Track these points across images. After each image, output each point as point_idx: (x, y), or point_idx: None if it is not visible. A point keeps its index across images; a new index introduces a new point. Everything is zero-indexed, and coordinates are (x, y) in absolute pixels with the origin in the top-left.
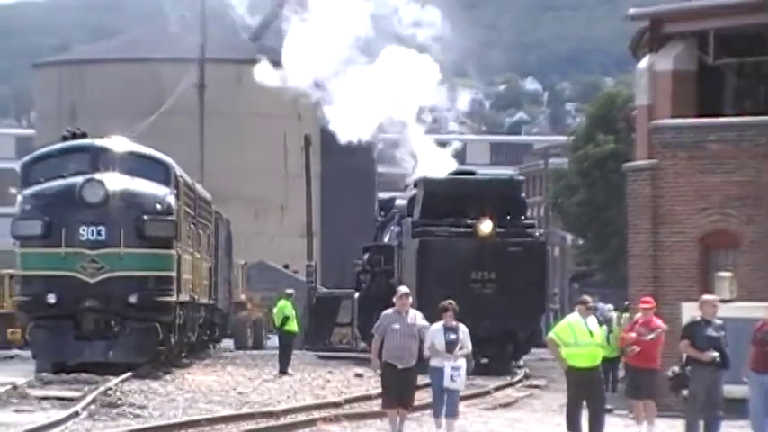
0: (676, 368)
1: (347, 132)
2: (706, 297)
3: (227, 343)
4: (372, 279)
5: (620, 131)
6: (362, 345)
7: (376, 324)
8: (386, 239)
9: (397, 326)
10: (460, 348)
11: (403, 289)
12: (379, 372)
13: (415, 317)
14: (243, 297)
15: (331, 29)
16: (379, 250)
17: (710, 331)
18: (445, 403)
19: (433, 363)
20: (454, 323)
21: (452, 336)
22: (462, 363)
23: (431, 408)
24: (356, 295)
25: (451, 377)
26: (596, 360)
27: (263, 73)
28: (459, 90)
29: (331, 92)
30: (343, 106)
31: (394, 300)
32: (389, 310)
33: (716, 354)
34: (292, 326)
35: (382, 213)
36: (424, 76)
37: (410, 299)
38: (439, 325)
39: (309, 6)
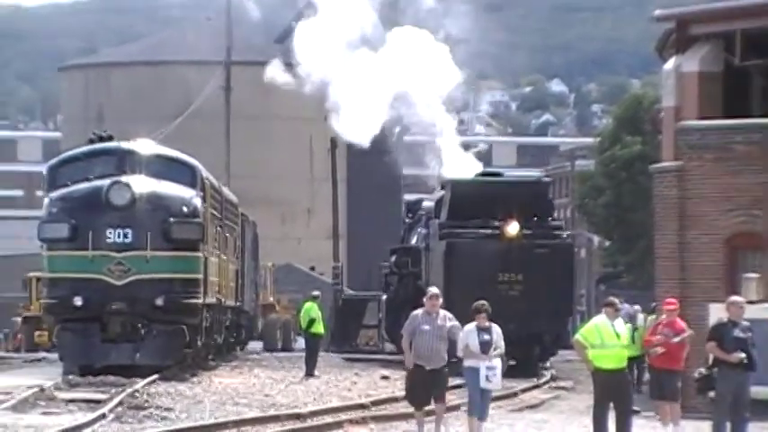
0: (703, 370)
1: (358, 136)
2: (733, 298)
3: (254, 345)
4: (400, 281)
5: (647, 133)
6: (390, 347)
7: (405, 325)
8: (413, 241)
9: (426, 327)
10: (494, 349)
11: (433, 290)
12: (410, 366)
13: (445, 318)
14: (271, 299)
15: (343, 30)
16: (406, 252)
17: (737, 333)
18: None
19: (468, 363)
20: (487, 324)
21: (486, 336)
22: (498, 363)
23: (464, 407)
24: (383, 297)
25: (487, 377)
26: (623, 362)
27: (273, 72)
28: (482, 91)
29: (338, 90)
30: (350, 105)
31: (424, 301)
32: (419, 311)
33: (743, 355)
34: (318, 328)
35: (409, 215)
36: (436, 59)
37: (440, 300)
38: (472, 326)
39: (327, 9)
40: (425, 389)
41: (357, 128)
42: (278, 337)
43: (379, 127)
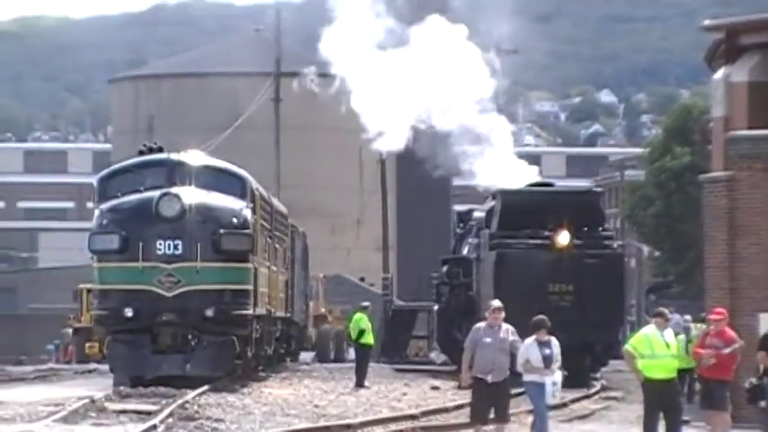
0: (754, 380)
1: (387, 143)
2: None
3: (305, 356)
4: (451, 291)
5: (696, 143)
6: (443, 357)
7: (467, 338)
8: (464, 252)
9: (488, 340)
10: (555, 362)
11: (496, 303)
12: (466, 384)
13: (507, 331)
14: (323, 310)
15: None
16: (457, 263)
17: None
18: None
19: (530, 378)
20: (547, 337)
21: (547, 351)
22: (559, 377)
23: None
24: (435, 308)
25: (552, 393)
26: (673, 372)
27: (305, 81)
28: (532, 102)
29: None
30: (374, 109)
31: (486, 314)
32: (481, 324)
33: None
34: (368, 339)
35: (461, 225)
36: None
37: (503, 313)
38: (531, 340)
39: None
40: (489, 402)
41: (385, 134)
42: (330, 348)
43: (409, 131)
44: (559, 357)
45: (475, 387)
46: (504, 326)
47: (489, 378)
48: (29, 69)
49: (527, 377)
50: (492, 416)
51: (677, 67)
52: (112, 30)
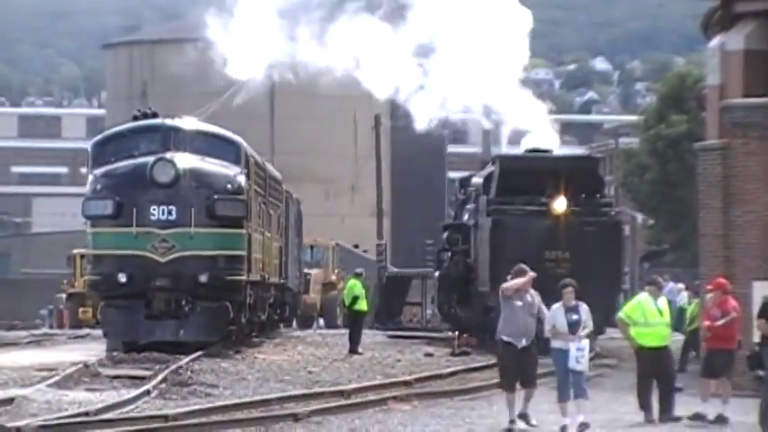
0: (755, 348)
1: (423, 115)
2: None
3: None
4: (451, 258)
5: (692, 111)
6: (446, 326)
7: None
8: (465, 218)
9: (519, 303)
10: (583, 329)
11: (523, 266)
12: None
13: (534, 296)
14: (334, 277)
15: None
16: (457, 229)
17: None
18: (572, 385)
19: (556, 344)
20: (574, 302)
21: (574, 316)
22: (586, 343)
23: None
24: (436, 274)
25: (576, 359)
26: (666, 339)
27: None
28: (526, 69)
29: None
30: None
31: (509, 277)
32: (521, 280)
33: None
34: (362, 305)
35: (462, 191)
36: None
37: (531, 278)
38: (558, 305)
39: None
40: (519, 367)
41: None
42: (338, 314)
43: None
44: (590, 323)
45: (503, 352)
46: (532, 291)
47: (521, 343)
48: (23, 35)
49: (554, 343)
50: (519, 382)
51: (672, 34)
52: None
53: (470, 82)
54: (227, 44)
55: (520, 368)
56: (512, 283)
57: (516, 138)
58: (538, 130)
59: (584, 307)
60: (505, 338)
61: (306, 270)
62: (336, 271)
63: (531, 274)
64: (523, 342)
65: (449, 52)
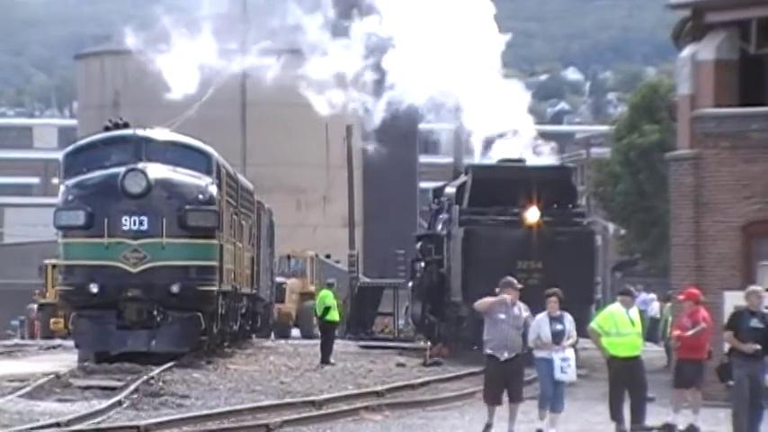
0: (725, 359)
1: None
2: (752, 288)
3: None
4: (424, 268)
5: (663, 121)
6: (418, 336)
7: (480, 301)
8: (438, 228)
9: (502, 316)
10: (567, 338)
11: (510, 279)
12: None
13: (521, 308)
14: (312, 288)
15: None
16: (430, 239)
17: (754, 322)
18: (553, 395)
19: (540, 354)
20: (559, 312)
21: (558, 326)
22: (571, 353)
23: (537, 398)
24: (410, 284)
25: (561, 368)
26: (638, 349)
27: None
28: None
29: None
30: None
31: (497, 290)
32: (495, 299)
33: (757, 347)
34: (333, 315)
35: (435, 201)
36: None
37: (517, 291)
38: (543, 315)
39: None
40: (503, 380)
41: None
42: (314, 324)
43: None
44: (574, 333)
45: (487, 366)
46: (519, 303)
47: (503, 356)
48: None
49: (537, 353)
50: (505, 396)
51: (644, 44)
52: (80, 5)
53: (434, 77)
54: (163, 60)
55: (505, 381)
56: (482, 301)
57: (488, 142)
58: (512, 131)
59: (568, 317)
60: (488, 351)
61: (282, 279)
62: (315, 281)
63: (518, 286)
64: (506, 355)
65: (409, 48)
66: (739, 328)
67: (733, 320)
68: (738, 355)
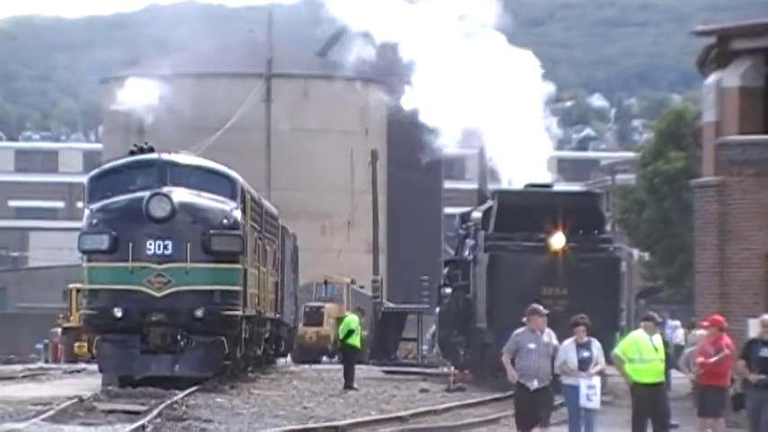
0: (738, 387)
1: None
2: (765, 317)
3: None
4: (452, 294)
5: (688, 147)
6: (445, 362)
7: (508, 342)
8: (465, 253)
9: (532, 345)
10: (594, 365)
11: (537, 307)
12: (514, 381)
13: (550, 336)
14: (347, 313)
15: None
16: (457, 265)
17: (764, 352)
18: (583, 422)
19: (567, 381)
20: (586, 339)
21: (585, 353)
22: (597, 381)
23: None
24: (437, 310)
25: (587, 396)
26: (661, 376)
27: None
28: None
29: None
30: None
31: (524, 320)
32: (522, 329)
33: (762, 376)
34: (355, 340)
35: (463, 226)
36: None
37: (545, 318)
38: (570, 342)
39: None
40: (533, 409)
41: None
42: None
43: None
44: (602, 360)
45: (516, 394)
46: (547, 330)
47: (534, 385)
48: (21, 69)
49: (564, 380)
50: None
51: (669, 71)
52: (105, 29)
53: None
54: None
55: (537, 408)
56: (507, 367)
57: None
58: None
59: (596, 344)
60: (519, 380)
61: (320, 304)
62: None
63: (544, 312)
64: (535, 384)
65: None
66: (750, 358)
67: (746, 350)
68: (748, 384)
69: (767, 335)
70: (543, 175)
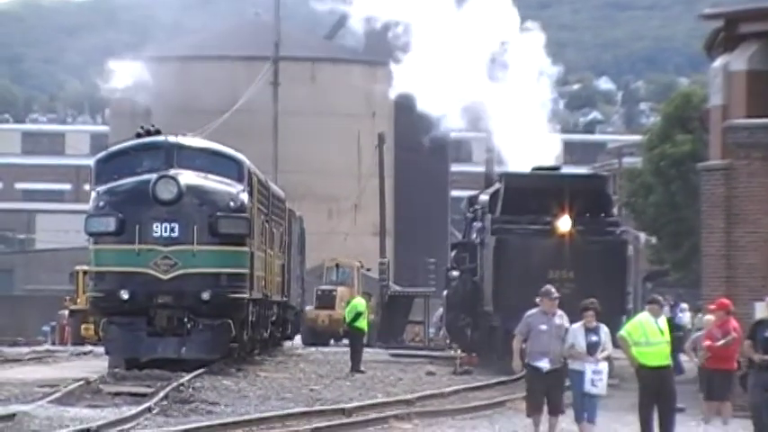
0: (745, 368)
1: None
2: None
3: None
4: (459, 277)
5: (695, 131)
6: (452, 345)
7: (520, 324)
8: (473, 236)
9: (544, 327)
10: (602, 351)
11: (549, 288)
12: (518, 371)
13: (563, 318)
14: (358, 297)
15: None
16: (464, 248)
17: None
18: (585, 408)
19: (573, 366)
20: (595, 324)
21: (594, 338)
22: (604, 366)
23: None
24: (444, 293)
25: (592, 381)
26: (667, 359)
27: None
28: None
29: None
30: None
31: (538, 300)
32: (534, 311)
33: (766, 356)
34: (362, 323)
35: (471, 209)
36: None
37: (557, 300)
38: (579, 325)
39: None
40: (545, 391)
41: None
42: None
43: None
44: (609, 346)
45: (529, 376)
46: (559, 312)
47: (546, 366)
48: (28, 51)
49: (571, 364)
50: (545, 406)
51: (676, 55)
52: (113, 12)
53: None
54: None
55: (546, 392)
56: (515, 350)
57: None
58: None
59: (604, 329)
60: (530, 362)
61: (331, 287)
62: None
63: (555, 295)
64: (547, 365)
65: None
66: (755, 338)
67: (751, 330)
68: (753, 364)
69: None
70: (549, 158)
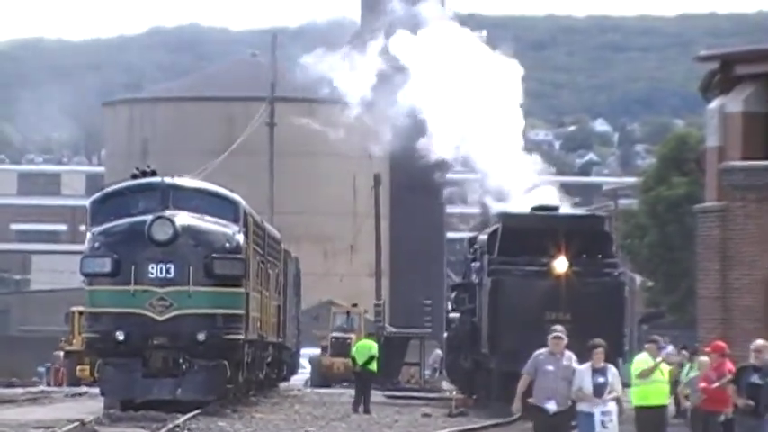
0: (729, 414)
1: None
2: (756, 343)
3: (295, 382)
4: (459, 318)
5: (691, 173)
6: (450, 386)
7: (527, 365)
8: (473, 277)
9: (550, 368)
10: (610, 392)
11: (557, 328)
12: (517, 412)
13: (570, 359)
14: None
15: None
16: (464, 289)
17: (755, 378)
18: None
19: (581, 407)
20: (602, 364)
21: (601, 379)
22: (613, 407)
23: None
24: (444, 335)
25: (602, 423)
26: (666, 398)
27: None
28: (526, 130)
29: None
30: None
31: (548, 340)
32: (543, 350)
33: (750, 403)
34: (374, 366)
35: (471, 249)
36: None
37: (564, 340)
38: (586, 366)
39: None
40: None
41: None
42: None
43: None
44: (618, 387)
45: (535, 418)
46: (567, 353)
47: (552, 408)
48: (24, 91)
49: (579, 406)
50: None
51: (672, 96)
52: (109, 53)
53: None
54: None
55: None
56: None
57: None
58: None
59: (612, 369)
60: (536, 403)
61: (346, 335)
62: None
63: (564, 336)
64: (554, 407)
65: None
66: (739, 384)
67: (738, 375)
68: (738, 410)
69: (758, 361)
70: (546, 198)
